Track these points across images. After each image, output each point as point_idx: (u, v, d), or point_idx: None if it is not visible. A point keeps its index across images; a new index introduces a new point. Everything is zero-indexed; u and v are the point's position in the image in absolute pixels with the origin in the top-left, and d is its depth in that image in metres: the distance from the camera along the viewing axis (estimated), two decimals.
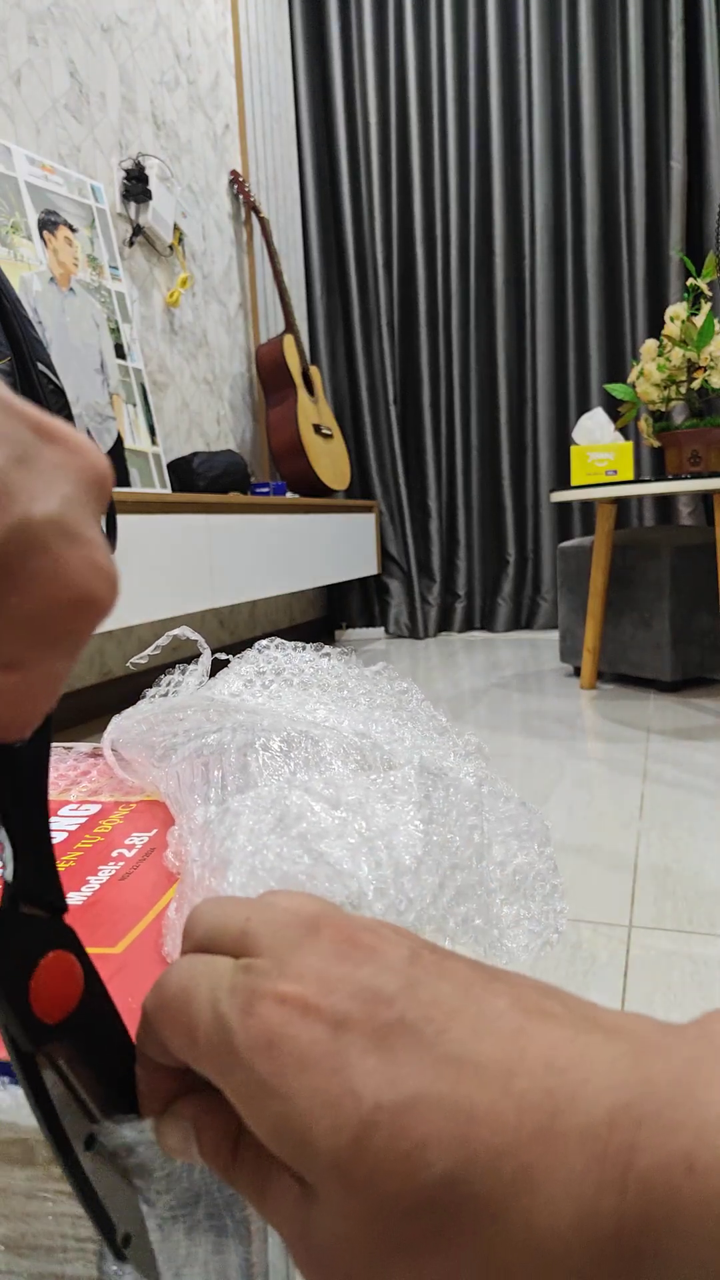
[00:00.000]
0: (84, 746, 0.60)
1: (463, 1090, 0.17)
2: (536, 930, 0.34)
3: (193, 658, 0.63)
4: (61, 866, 0.35)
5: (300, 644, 0.60)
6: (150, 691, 0.60)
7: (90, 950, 0.33)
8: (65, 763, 0.57)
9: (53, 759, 0.57)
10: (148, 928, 0.34)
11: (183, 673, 0.62)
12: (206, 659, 0.62)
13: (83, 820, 0.47)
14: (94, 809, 0.49)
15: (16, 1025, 0.22)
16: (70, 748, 0.60)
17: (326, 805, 0.34)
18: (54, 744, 0.43)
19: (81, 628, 0.18)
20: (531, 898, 0.35)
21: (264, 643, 0.60)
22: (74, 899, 0.37)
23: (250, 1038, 0.19)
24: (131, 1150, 0.24)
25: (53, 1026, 0.23)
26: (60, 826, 0.46)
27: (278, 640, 0.61)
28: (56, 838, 0.44)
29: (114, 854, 0.42)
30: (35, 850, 0.24)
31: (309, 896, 0.23)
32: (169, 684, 0.60)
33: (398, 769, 0.40)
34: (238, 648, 2.85)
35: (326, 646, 0.60)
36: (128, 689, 2.27)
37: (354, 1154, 0.17)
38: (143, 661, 0.64)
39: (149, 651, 0.63)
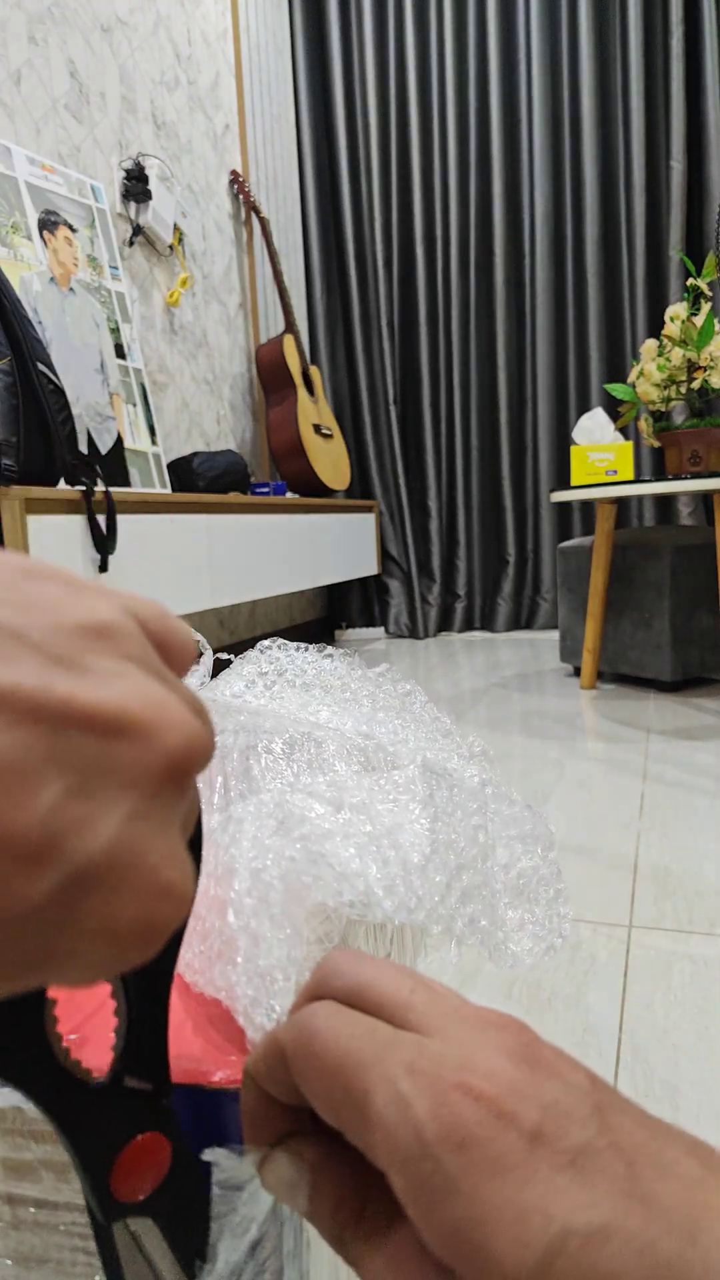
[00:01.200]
0: None
1: (652, 1231, 0.17)
2: (541, 934, 0.34)
3: None
4: None
5: (303, 644, 0.60)
6: None
7: None
8: None
9: None
10: None
11: None
12: (208, 659, 0.62)
13: None
14: None
15: (94, 1200, 0.22)
16: None
17: (330, 807, 0.34)
18: None
19: (146, 945, 0.16)
20: (536, 902, 0.35)
21: (266, 643, 0.60)
22: None
23: (442, 1130, 0.18)
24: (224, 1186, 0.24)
25: (132, 1205, 0.23)
26: None
27: (280, 640, 0.61)
28: None
29: None
30: (151, 1023, 0.23)
31: (451, 992, 0.23)
32: None
33: (401, 769, 0.40)
34: (238, 648, 2.85)
35: (329, 647, 0.60)
36: None
37: (537, 1274, 0.17)
38: None
39: None
